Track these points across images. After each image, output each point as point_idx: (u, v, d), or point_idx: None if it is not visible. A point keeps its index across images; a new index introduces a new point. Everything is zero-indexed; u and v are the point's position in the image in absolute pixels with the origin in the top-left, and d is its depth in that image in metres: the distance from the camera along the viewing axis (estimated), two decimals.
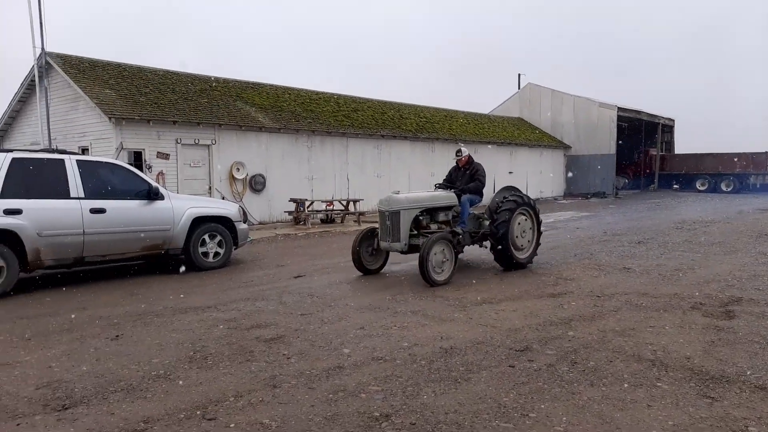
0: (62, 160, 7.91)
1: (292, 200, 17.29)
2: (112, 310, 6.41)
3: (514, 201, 8.59)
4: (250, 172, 17.59)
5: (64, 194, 7.74)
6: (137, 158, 14.97)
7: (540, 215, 9.08)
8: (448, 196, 8.70)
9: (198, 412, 3.57)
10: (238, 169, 17.18)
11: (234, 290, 7.57)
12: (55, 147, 13.15)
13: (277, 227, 16.64)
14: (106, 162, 8.77)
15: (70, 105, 16.05)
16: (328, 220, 17.64)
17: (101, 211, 7.96)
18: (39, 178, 7.65)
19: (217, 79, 19.85)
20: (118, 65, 17.46)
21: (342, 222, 17.76)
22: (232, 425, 3.37)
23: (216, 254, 9.38)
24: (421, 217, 8.21)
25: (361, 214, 17.78)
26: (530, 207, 8.87)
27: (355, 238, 8.48)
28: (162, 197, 8.73)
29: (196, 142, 16.22)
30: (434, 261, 7.42)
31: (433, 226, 8.41)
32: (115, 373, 4.31)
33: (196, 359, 4.64)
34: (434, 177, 24.00)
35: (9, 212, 7.21)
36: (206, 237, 9.23)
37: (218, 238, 9.39)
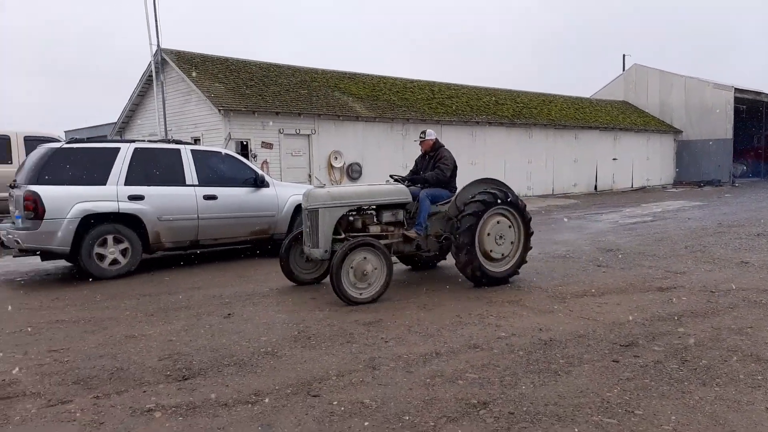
0: (178, 150, 8.54)
1: None
2: (223, 290, 6.87)
3: (482, 201, 6.64)
4: (347, 160, 18.03)
5: (181, 182, 8.36)
6: (243, 148, 15.81)
7: (528, 214, 7.03)
8: (394, 191, 6.90)
9: (303, 389, 3.77)
10: (335, 158, 17.67)
11: None
12: (171, 138, 14.20)
13: None
14: (216, 151, 9.35)
15: (184, 98, 17.20)
16: None
17: (213, 197, 8.52)
18: (158, 166, 8.30)
19: (316, 71, 20.46)
20: (226, 59, 18.46)
21: None
22: (335, 402, 3.54)
23: None
24: (351, 218, 6.69)
25: None
26: (511, 206, 6.88)
27: (283, 242, 7.14)
28: (267, 185, 9.19)
29: (297, 132, 16.85)
30: (352, 274, 5.99)
31: (374, 229, 6.72)
32: (227, 349, 4.64)
33: (299, 339, 4.88)
34: (531, 164, 23.43)
35: (133, 198, 7.89)
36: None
37: None
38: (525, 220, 7.01)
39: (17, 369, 4.23)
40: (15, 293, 7.13)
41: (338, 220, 6.48)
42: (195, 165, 8.53)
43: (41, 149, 7.84)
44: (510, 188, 7.19)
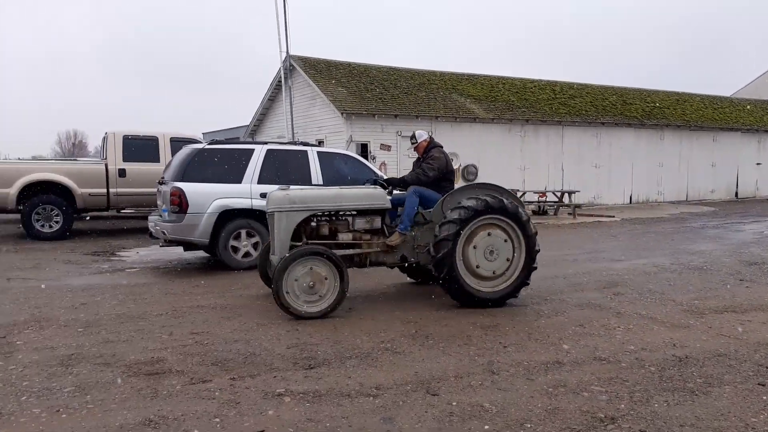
0: (305, 152, 8.98)
1: None
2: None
3: (468, 208, 5.79)
4: (462, 162, 17.91)
5: (307, 181, 8.78)
6: (363, 150, 16.28)
7: (531, 228, 6.05)
8: (365, 195, 6.16)
9: (422, 386, 3.82)
10: (451, 159, 17.62)
11: None
12: (297, 140, 14.96)
13: None
14: (340, 153, 9.72)
15: (309, 102, 18.07)
16: (540, 211, 17.19)
17: None
18: (287, 167, 8.78)
19: (434, 73, 20.56)
20: (348, 65, 19.11)
21: (555, 214, 17.16)
22: (453, 403, 3.55)
23: None
24: (314, 223, 6.13)
25: (577, 206, 16.96)
26: (509, 216, 5.92)
27: (264, 245, 6.85)
28: (386, 186, 9.38)
29: None
30: (296, 286, 5.51)
31: (344, 236, 6.11)
32: (350, 342, 4.81)
33: (417, 337, 4.95)
34: (662, 168, 21.89)
35: (264, 196, 8.40)
36: None
37: None
38: (527, 234, 6.00)
39: (164, 348, 4.68)
40: (161, 279, 7.88)
41: (302, 226, 5.97)
42: (320, 166, 8.93)
43: (186, 150, 8.61)
44: (515, 197, 6.32)
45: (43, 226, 11.16)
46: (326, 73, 17.96)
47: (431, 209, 6.18)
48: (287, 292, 5.49)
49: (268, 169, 8.60)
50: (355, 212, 6.20)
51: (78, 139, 74.83)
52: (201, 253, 9.58)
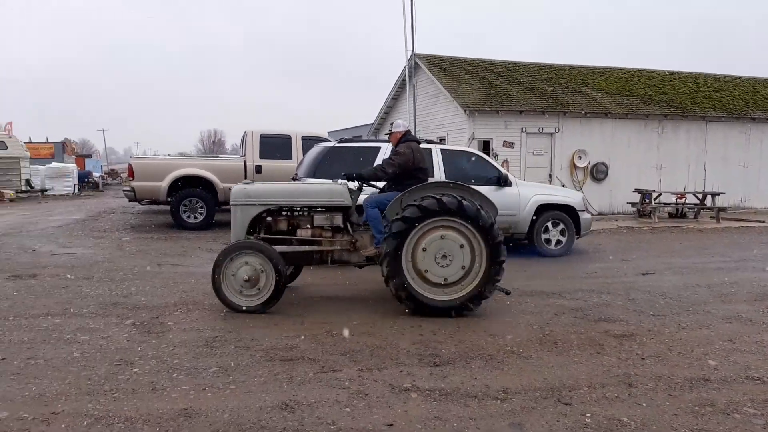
0: (429, 150, 9.03)
1: (637, 191, 16.12)
2: None
3: (420, 207, 5.42)
4: (591, 160, 17.05)
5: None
6: (485, 147, 16.04)
7: (496, 235, 5.46)
8: (321, 192, 6.04)
9: (553, 394, 3.69)
10: (579, 157, 16.85)
11: (577, 280, 7.52)
12: (419, 138, 15.10)
13: (618, 219, 15.79)
14: (464, 151, 9.67)
15: (432, 100, 18.13)
16: (678, 214, 15.91)
17: None
18: None
19: (562, 67, 19.74)
20: (473, 61, 18.92)
21: (695, 218, 15.79)
22: (588, 415, 3.39)
23: (558, 242, 9.45)
24: (269, 218, 6.02)
25: (721, 209, 15.44)
26: (466, 218, 5.43)
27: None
28: (510, 184, 9.19)
29: (540, 130, 16.49)
30: (233, 280, 5.52)
31: (303, 233, 6.00)
32: (473, 342, 4.77)
33: (545, 342, 4.79)
34: None
35: None
36: (549, 224, 9.38)
37: (561, 226, 9.44)
38: (490, 241, 5.45)
39: (296, 336, 4.92)
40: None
41: (262, 220, 6.01)
42: (444, 163, 8.93)
43: (317, 148, 9.01)
44: (486, 198, 5.81)
45: (189, 216, 12.22)
46: (450, 71, 17.91)
47: None
48: (225, 286, 5.54)
49: None
50: (317, 209, 6.06)
51: (217, 137, 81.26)
52: None
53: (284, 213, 6.09)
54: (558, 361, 4.32)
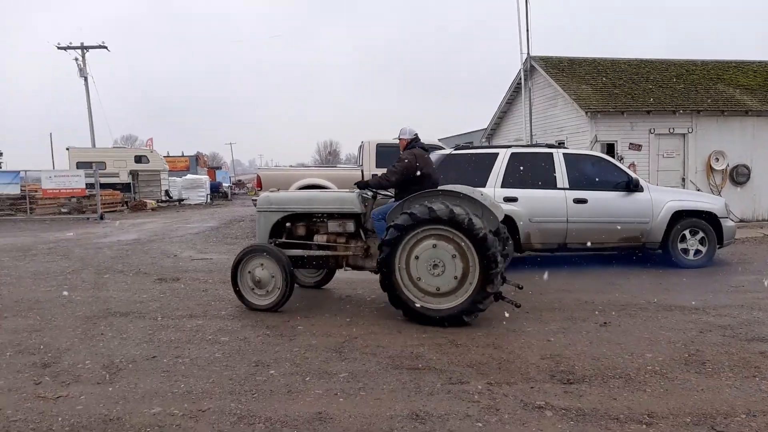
0: (551, 154, 8.70)
1: None
2: (594, 297, 6.70)
3: (412, 215, 5.37)
4: (730, 162, 15.55)
5: (552, 185, 8.49)
6: (609, 150, 15.17)
7: (489, 247, 5.21)
8: (332, 199, 6.34)
9: (706, 421, 3.36)
10: (717, 159, 15.42)
11: (722, 294, 6.86)
12: (535, 142, 14.62)
13: (764, 227, 14.24)
14: (588, 155, 9.22)
15: (549, 102, 17.50)
16: None
17: (583, 201, 8.40)
18: (531, 170, 8.60)
19: (694, 62, 18.24)
20: (593, 60, 18.03)
21: None
22: None
23: (697, 252, 8.69)
24: (288, 224, 6.40)
25: None
26: (457, 227, 5.28)
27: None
28: (641, 189, 8.60)
29: (671, 131, 15.32)
30: (249, 279, 6.03)
31: (319, 238, 6.29)
32: (610, 359, 4.48)
33: (691, 362, 4.39)
34: None
35: (508, 200, 8.36)
36: (686, 233, 8.66)
37: (700, 234, 8.67)
38: (482, 252, 5.25)
39: (421, 345, 4.91)
40: None
41: (283, 226, 6.43)
42: (566, 168, 8.56)
43: (433, 156, 8.98)
44: (488, 208, 5.50)
45: None
46: (569, 72, 17.18)
47: None
48: (241, 284, 6.05)
49: (512, 173, 8.53)
50: (331, 215, 6.30)
51: (332, 147, 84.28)
52: None
53: (302, 219, 6.46)
54: (708, 385, 3.94)
